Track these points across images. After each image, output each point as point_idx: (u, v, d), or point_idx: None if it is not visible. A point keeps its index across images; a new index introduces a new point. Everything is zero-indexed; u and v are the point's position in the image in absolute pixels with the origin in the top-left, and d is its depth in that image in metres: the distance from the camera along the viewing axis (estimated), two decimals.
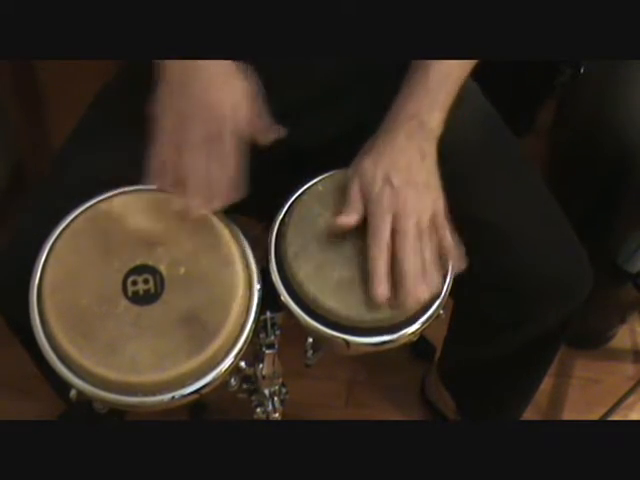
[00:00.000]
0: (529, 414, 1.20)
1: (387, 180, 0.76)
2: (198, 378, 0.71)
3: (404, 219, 0.74)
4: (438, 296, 0.77)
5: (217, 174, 0.76)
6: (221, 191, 0.76)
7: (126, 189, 0.78)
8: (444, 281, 0.77)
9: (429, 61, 0.80)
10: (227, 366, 0.72)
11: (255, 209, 0.92)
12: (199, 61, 0.77)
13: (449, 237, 0.76)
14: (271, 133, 0.80)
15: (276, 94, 0.87)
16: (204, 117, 0.76)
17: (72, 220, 0.76)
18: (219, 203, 0.76)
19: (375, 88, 0.86)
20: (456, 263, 0.77)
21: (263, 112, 0.80)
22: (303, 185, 0.82)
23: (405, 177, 0.76)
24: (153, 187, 0.77)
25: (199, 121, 0.76)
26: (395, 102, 0.81)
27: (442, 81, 0.81)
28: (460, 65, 0.82)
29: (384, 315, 0.75)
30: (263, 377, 0.90)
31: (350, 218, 0.76)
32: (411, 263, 0.74)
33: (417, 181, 0.76)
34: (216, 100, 0.77)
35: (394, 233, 0.74)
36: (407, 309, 0.75)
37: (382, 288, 0.73)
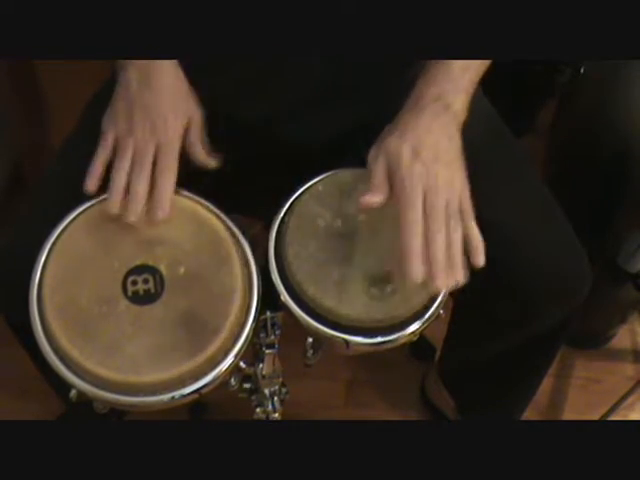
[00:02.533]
0: (529, 414, 1.20)
1: (416, 154, 0.72)
2: (198, 378, 0.71)
3: (436, 197, 0.71)
4: (438, 296, 0.77)
5: (161, 185, 0.75)
6: (164, 204, 0.75)
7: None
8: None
9: None
10: (227, 366, 0.72)
11: (255, 209, 0.92)
12: (157, 67, 0.78)
13: (474, 225, 0.73)
14: (210, 160, 0.80)
15: (276, 94, 0.87)
16: (153, 127, 0.76)
17: (72, 220, 0.76)
18: (162, 215, 0.74)
19: (375, 88, 0.86)
20: (479, 255, 0.73)
21: (203, 137, 0.80)
22: (303, 185, 0.82)
23: (434, 153, 0.73)
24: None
25: (148, 131, 0.76)
26: (417, 86, 0.78)
27: (465, 68, 0.79)
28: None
29: (384, 315, 0.75)
30: (263, 377, 0.90)
31: (376, 197, 0.72)
32: (440, 248, 0.70)
33: (446, 159, 0.74)
34: (162, 119, 0.76)
35: (424, 212, 0.71)
36: (431, 292, 0.73)
37: (419, 269, 0.69)
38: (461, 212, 0.73)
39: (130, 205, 0.73)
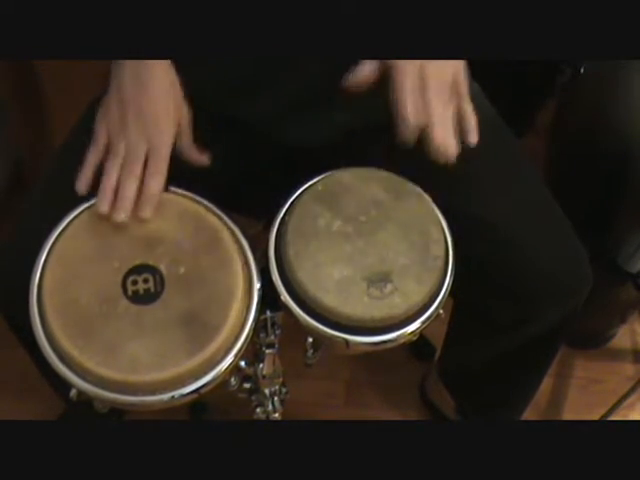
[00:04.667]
0: (529, 414, 1.20)
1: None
2: (198, 377, 0.71)
3: (427, 75, 0.74)
4: (437, 295, 0.77)
5: (152, 187, 0.76)
6: (151, 204, 0.75)
7: None
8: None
9: None
10: (227, 365, 0.72)
11: (255, 209, 0.92)
12: (150, 69, 0.78)
13: (469, 103, 0.76)
14: (202, 158, 0.81)
15: (276, 94, 0.87)
16: (145, 129, 0.76)
17: (72, 220, 0.76)
18: (147, 215, 0.75)
19: (375, 90, 0.86)
20: (472, 133, 0.77)
21: (191, 140, 0.81)
22: (303, 185, 0.82)
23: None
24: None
25: (140, 133, 0.76)
26: None
27: None
28: None
29: (384, 315, 0.75)
30: (263, 377, 0.90)
31: (361, 73, 0.75)
32: (436, 103, 0.73)
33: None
34: (155, 123, 0.77)
35: (418, 88, 0.74)
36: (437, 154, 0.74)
37: (411, 113, 0.72)
38: (456, 92, 0.76)
39: (118, 205, 0.74)
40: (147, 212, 0.75)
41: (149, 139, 0.76)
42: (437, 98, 0.74)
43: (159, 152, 0.76)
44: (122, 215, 0.74)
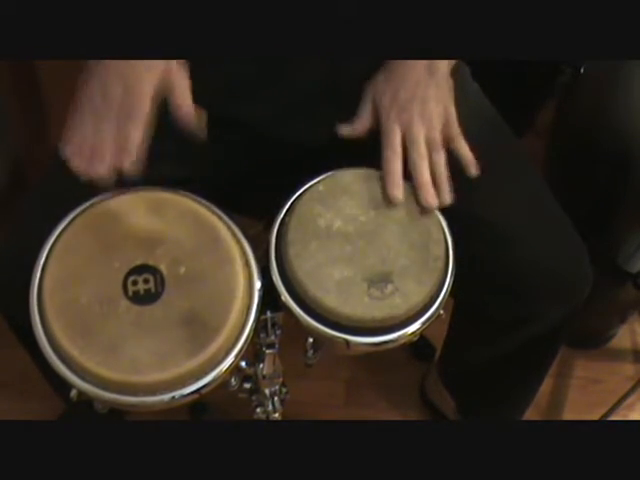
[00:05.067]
0: (529, 414, 1.20)
1: (395, 96, 0.79)
2: (198, 378, 0.71)
3: (414, 129, 0.78)
4: (438, 296, 0.77)
5: (130, 133, 0.72)
6: (132, 150, 0.72)
7: (126, 189, 0.78)
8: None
9: None
10: (227, 366, 0.72)
11: (255, 209, 0.92)
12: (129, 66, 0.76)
13: (464, 144, 0.79)
14: (199, 129, 0.78)
15: (276, 94, 0.87)
16: (121, 75, 0.74)
17: (72, 220, 0.76)
18: (130, 162, 0.72)
19: None
20: (472, 167, 0.80)
21: (190, 102, 0.77)
22: (303, 185, 0.82)
23: (412, 92, 0.79)
24: (152, 186, 0.77)
25: (117, 80, 0.74)
26: None
27: None
28: None
29: (384, 315, 0.75)
30: (263, 377, 0.90)
31: (356, 126, 0.80)
32: (424, 172, 0.77)
33: (424, 95, 0.79)
34: (137, 63, 0.74)
35: (406, 145, 0.78)
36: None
37: (398, 191, 0.77)
38: (448, 137, 0.79)
39: (95, 160, 0.72)
40: (127, 161, 0.72)
41: (125, 81, 0.73)
42: (423, 159, 0.78)
43: (136, 96, 0.73)
44: (100, 169, 0.71)
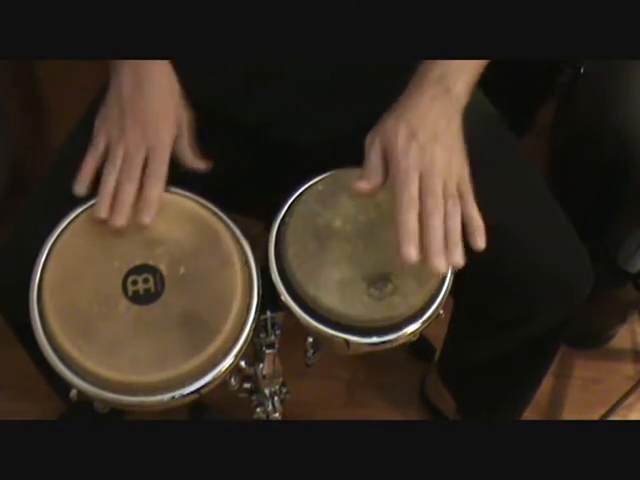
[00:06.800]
0: (529, 414, 1.20)
1: (413, 135, 0.71)
2: (198, 378, 0.71)
3: (432, 178, 0.70)
4: (438, 295, 0.77)
5: (151, 191, 0.75)
6: (151, 208, 0.74)
7: None
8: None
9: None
10: (227, 366, 0.72)
11: (255, 209, 0.92)
12: (149, 70, 0.78)
13: (475, 206, 0.72)
14: (199, 163, 0.80)
15: (276, 94, 0.87)
16: (144, 132, 0.76)
17: (72, 220, 0.76)
18: (148, 220, 0.74)
19: (375, 87, 0.86)
20: (480, 237, 0.71)
21: (192, 142, 0.80)
22: (303, 185, 0.82)
23: (431, 134, 0.72)
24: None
25: (139, 135, 0.76)
26: (420, 67, 0.77)
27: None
28: None
29: (384, 315, 0.75)
30: (263, 377, 0.90)
31: (370, 182, 0.71)
32: (438, 229, 0.68)
33: (443, 141, 0.72)
34: (153, 126, 0.77)
35: (420, 193, 0.69)
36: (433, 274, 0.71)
37: (412, 249, 0.67)
38: (460, 195, 0.72)
39: (117, 210, 0.74)
40: (146, 217, 0.74)
41: (148, 142, 0.76)
42: (439, 213, 0.69)
43: (158, 155, 0.76)
44: (121, 220, 0.73)
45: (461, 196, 0.72)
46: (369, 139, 0.74)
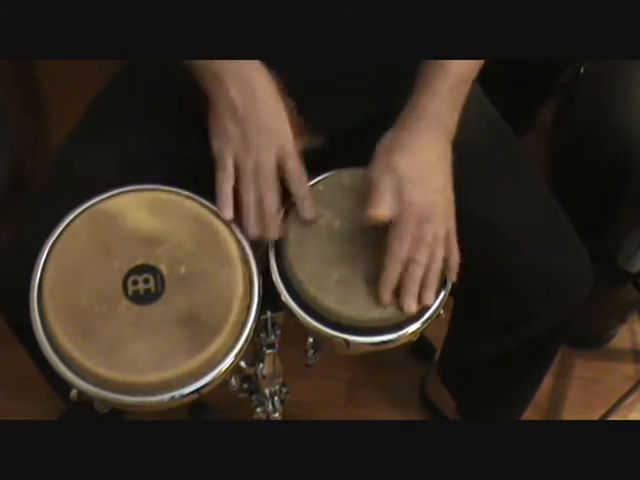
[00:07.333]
0: (529, 414, 1.20)
1: (414, 181, 0.75)
2: (198, 378, 0.71)
3: (427, 225, 0.75)
4: (438, 295, 0.77)
5: (302, 188, 0.78)
6: (309, 201, 0.78)
7: (126, 189, 0.78)
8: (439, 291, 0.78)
9: (444, 61, 0.79)
10: (227, 366, 0.72)
11: None
12: (251, 74, 0.78)
13: (457, 250, 0.77)
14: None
15: None
16: (268, 140, 0.77)
17: (72, 220, 0.76)
18: (312, 212, 0.78)
19: (376, 87, 0.86)
20: (454, 273, 0.78)
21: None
22: None
23: (435, 186, 0.76)
24: (152, 187, 0.77)
25: (266, 144, 0.77)
26: (416, 99, 0.79)
27: (460, 81, 0.80)
28: (471, 65, 0.82)
29: (384, 315, 0.75)
30: (263, 377, 0.90)
31: (383, 213, 0.75)
32: (417, 279, 0.75)
33: (441, 186, 0.77)
34: (277, 129, 0.78)
35: (407, 254, 0.75)
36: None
37: (388, 296, 0.75)
38: (446, 236, 0.76)
39: (270, 224, 0.76)
40: (309, 212, 0.77)
41: (277, 143, 0.77)
42: (421, 263, 0.75)
43: (291, 151, 0.77)
44: (278, 233, 0.77)
45: (448, 239, 0.76)
46: (377, 168, 0.76)
